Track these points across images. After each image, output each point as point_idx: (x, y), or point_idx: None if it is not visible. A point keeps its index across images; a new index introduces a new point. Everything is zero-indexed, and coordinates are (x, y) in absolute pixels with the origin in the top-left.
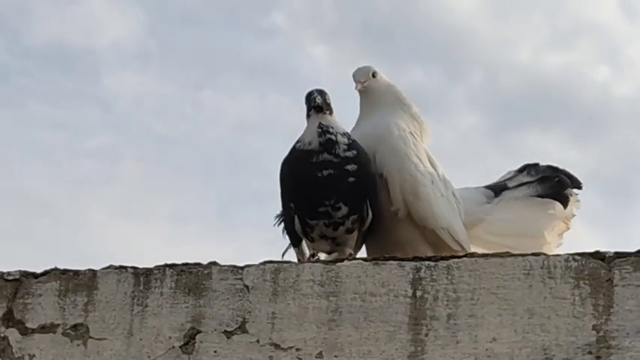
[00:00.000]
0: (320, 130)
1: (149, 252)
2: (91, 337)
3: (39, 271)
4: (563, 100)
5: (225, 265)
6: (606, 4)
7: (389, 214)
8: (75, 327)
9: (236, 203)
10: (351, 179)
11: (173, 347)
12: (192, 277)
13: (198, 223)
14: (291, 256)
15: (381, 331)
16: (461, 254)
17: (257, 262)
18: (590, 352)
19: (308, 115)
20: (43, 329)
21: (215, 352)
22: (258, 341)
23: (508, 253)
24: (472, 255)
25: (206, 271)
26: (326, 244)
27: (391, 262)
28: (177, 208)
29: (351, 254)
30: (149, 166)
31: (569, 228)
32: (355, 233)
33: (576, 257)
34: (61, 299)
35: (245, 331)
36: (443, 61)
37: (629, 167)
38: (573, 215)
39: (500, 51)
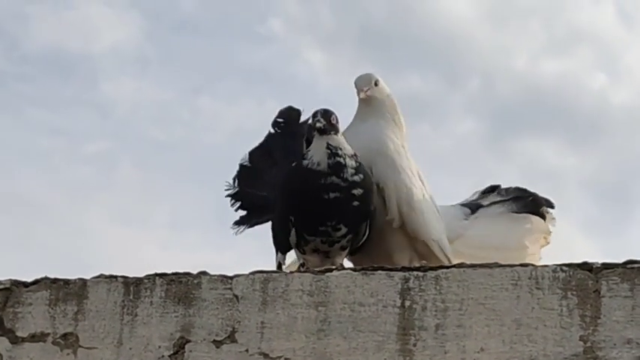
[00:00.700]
0: (329, 151)
1: (146, 258)
2: (80, 346)
3: (31, 279)
4: (560, 107)
5: (214, 275)
6: (603, 12)
7: (381, 223)
8: (65, 336)
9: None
10: (356, 203)
11: (163, 356)
12: (181, 287)
13: (195, 230)
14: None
15: (370, 341)
16: (449, 264)
17: (246, 272)
18: None
19: (312, 135)
20: (34, 338)
21: None
22: (247, 351)
23: (496, 263)
24: (460, 265)
25: (196, 281)
26: (317, 257)
27: (380, 272)
28: (174, 214)
29: (340, 264)
30: (147, 172)
31: (548, 243)
32: (348, 249)
33: (564, 268)
34: (52, 308)
35: (234, 341)
36: (440, 68)
37: (627, 174)
38: (550, 232)
39: (497, 57)
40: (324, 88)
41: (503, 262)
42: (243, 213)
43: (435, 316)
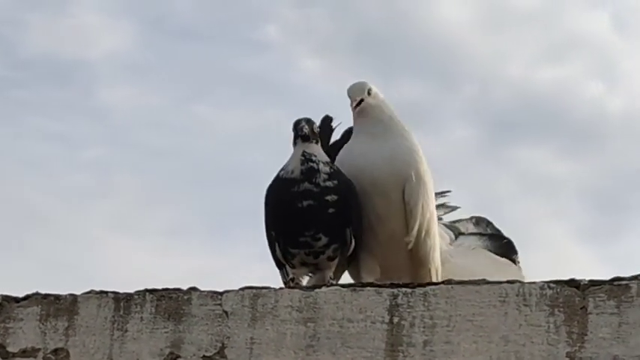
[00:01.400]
0: (303, 158)
1: (142, 265)
2: None
3: (26, 287)
4: (556, 114)
5: (204, 291)
6: (599, 19)
7: (393, 240)
8: (56, 351)
9: (231, 217)
10: (331, 210)
11: None
12: (172, 303)
13: (192, 237)
14: None
15: (358, 357)
16: (437, 282)
17: (236, 288)
18: None
19: (294, 144)
20: (25, 353)
21: None
22: None
23: (484, 280)
24: (448, 282)
25: (186, 297)
26: (307, 270)
27: (369, 288)
28: (171, 222)
29: (331, 278)
30: (143, 179)
31: None
32: (337, 260)
33: (551, 285)
34: (42, 324)
35: (224, 357)
36: (436, 74)
37: (622, 181)
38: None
39: (493, 64)
40: (320, 94)
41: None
42: None
43: (423, 332)
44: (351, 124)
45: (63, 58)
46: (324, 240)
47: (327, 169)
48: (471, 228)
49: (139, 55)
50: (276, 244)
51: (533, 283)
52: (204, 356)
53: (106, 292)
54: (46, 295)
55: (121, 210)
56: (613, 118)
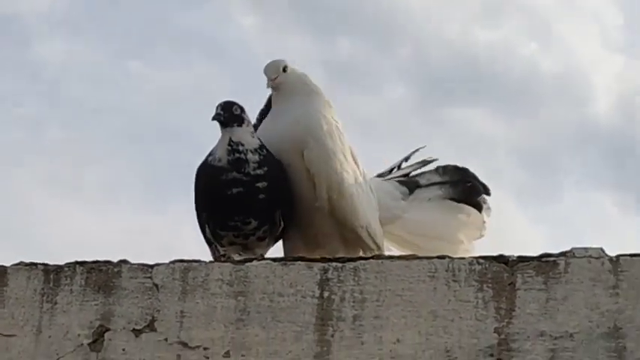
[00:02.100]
0: (230, 147)
1: (77, 225)
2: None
3: None
4: (491, 75)
5: (134, 264)
6: None
7: (310, 208)
8: None
9: (165, 174)
10: (262, 196)
11: (82, 345)
12: (102, 275)
13: (127, 194)
14: None
15: (288, 331)
16: (368, 256)
17: (167, 261)
18: (491, 355)
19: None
20: None
21: (123, 350)
22: (166, 340)
23: (414, 255)
24: (378, 257)
25: (116, 269)
26: (237, 249)
27: (299, 262)
28: (105, 179)
29: (261, 254)
30: (77, 135)
31: (482, 235)
32: (267, 240)
33: (480, 261)
34: None
35: (154, 330)
36: (371, 33)
37: (555, 142)
38: (485, 225)
39: (429, 25)
40: (255, 52)
41: (436, 253)
42: None
43: (352, 307)
44: None
45: None
46: (254, 224)
47: (255, 157)
48: (434, 178)
49: (73, 10)
50: (206, 225)
51: (463, 258)
52: (133, 329)
53: (36, 264)
54: None
55: (55, 167)
56: (548, 78)
